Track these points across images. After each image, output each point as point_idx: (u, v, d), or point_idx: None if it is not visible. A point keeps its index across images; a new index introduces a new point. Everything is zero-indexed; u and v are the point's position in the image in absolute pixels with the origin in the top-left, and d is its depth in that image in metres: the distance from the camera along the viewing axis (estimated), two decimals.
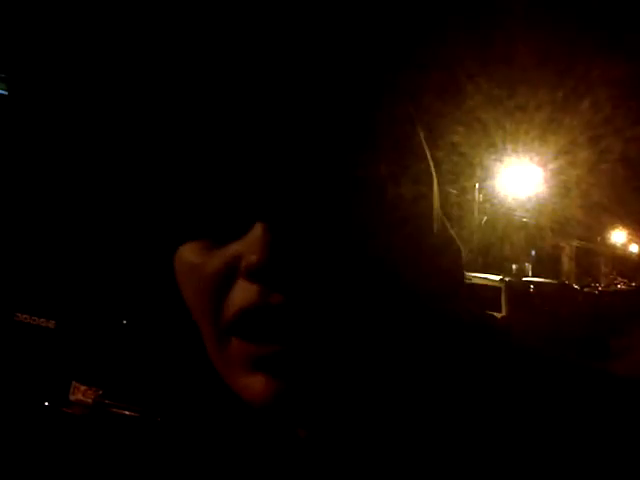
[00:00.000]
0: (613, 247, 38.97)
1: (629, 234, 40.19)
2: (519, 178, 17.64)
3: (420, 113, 0.55)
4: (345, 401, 0.51)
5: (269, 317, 0.46)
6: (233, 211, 0.48)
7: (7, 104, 7.59)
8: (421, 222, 0.53)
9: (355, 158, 0.49)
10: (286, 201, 0.47)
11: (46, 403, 3.85)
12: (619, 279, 32.30)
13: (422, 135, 0.55)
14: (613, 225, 37.30)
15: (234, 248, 0.48)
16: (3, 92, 7.82)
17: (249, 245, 0.46)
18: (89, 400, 3.78)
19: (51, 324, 4.09)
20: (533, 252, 25.81)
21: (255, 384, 0.48)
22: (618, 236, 39.62)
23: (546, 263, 25.31)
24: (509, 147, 15.97)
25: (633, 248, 42.01)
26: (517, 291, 11.55)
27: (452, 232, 0.59)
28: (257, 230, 0.46)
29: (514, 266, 23.39)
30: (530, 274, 21.65)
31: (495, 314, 9.47)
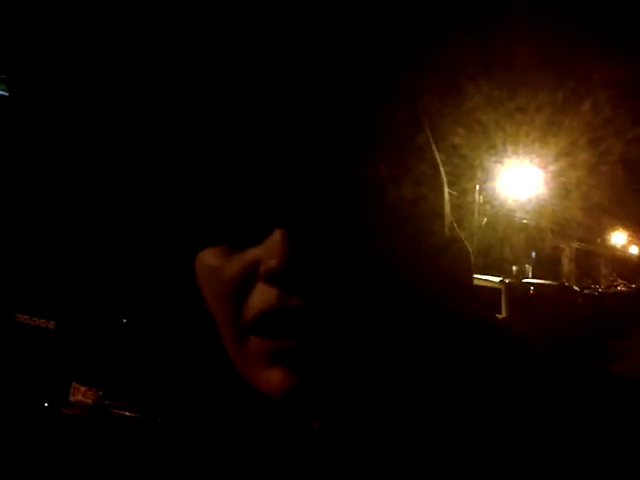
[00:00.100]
0: (613, 249, 38.96)
1: (629, 236, 40.19)
2: (519, 180, 17.66)
3: (419, 115, 0.55)
4: (357, 394, 0.52)
5: (288, 319, 0.48)
6: (252, 216, 0.50)
7: (8, 105, 7.59)
8: (432, 223, 0.54)
9: (362, 160, 0.50)
10: (303, 206, 0.48)
11: (46, 404, 3.85)
12: (619, 281, 32.29)
13: (430, 137, 0.56)
14: (613, 227, 37.31)
15: (253, 253, 0.49)
16: (3, 93, 7.82)
17: (268, 250, 0.48)
18: (89, 401, 3.78)
19: (51, 325, 4.09)
20: (533, 254, 25.83)
21: (273, 377, 0.50)
22: (618, 238, 39.62)
23: (546, 265, 25.31)
24: (509, 149, 15.99)
25: (633, 250, 42.01)
26: (517, 293, 11.55)
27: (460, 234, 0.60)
28: (276, 235, 0.47)
29: (514, 268, 23.39)
30: (530, 276, 21.65)
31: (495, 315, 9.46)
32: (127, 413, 3.39)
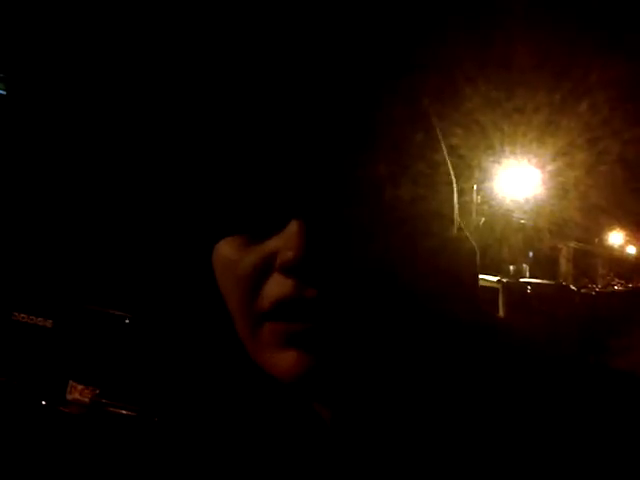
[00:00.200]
0: (611, 249, 38.97)
1: (626, 236, 40.22)
2: (517, 180, 17.65)
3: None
4: (366, 381, 0.53)
5: (302, 307, 0.50)
6: (268, 208, 0.51)
7: (6, 104, 7.58)
8: (431, 223, 0.55)
9: (360, 160, 0.51)
10: (319, 199, 0.50)
11: (43, 402, 3.84)
12: (616, 280, 32.30)
13: (436, 137, 0.57)
14: (611, 227, 37.32)
15: (270, 245, 0.51)
16: (1, 92, 7.80)
17: (285, 241, 0.50)
18: (86, 399, 3.77)
19: (48, 323, 4.08)
20: (531, 253, 25.83)
21: (286, 359, 0.52)
22: (616, 238, 39.64)
23: (544, 264, 25.32)
24: (507, 149, 15.98)
25: (630, 250, 42.04)
26: (515, 292, 11.55)
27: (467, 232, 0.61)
28: (292, 227, 0.49)
29: (512, 267, 23.38)
30: (528, 275, 21.65)
31: None
32: (124, 411, 3.39)
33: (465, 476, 0.51)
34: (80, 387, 3.87)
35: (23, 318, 4.11)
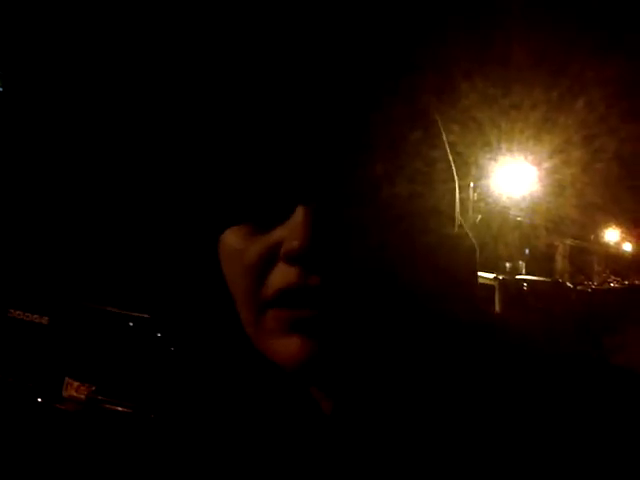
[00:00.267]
0: (606, 246, 39.07)
1: (622, 233, 40.32)
2: (514, 177, 17.67)
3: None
4: (367, 372, 0.54)
5: (306, 295, 0.51)
6: (274, 198, 0.52)
7: (3, 100, 7.56)
8: (438, 218, 0.56)
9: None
10: (323, 189, 0.51)
11: (39, 399, 3.84)
12: (612, 277, 32.37)
13: (441, 134, 0.58)
14: (607, 224, 37.41)
15: (276, 235, 0.52)
16: None
17: (290, 231, 0.50)
18: (82, 396, 3.77)
19: (45, 320, 4.08)
20: (527, 251, 25.87)
21: (290, 345, 0.52)
22: (611, 235, 39.74)
23: (540, 261, 25.35)
24: (504, 146, 16.01)
25: (626, 247, 42.15)
26: (511, 289, 11.58)
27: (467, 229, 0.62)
28: (298, 217, 0.50)
29: (508, 264, 23.42)
30: (524, 272, 21.70)
31: None
32: (120, 408, 3.39)
33: (463, 468, 0.51)
34: (76, 384, 3.87)
35: (19, 315, 4.11)
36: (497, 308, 10.28)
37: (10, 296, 4.26)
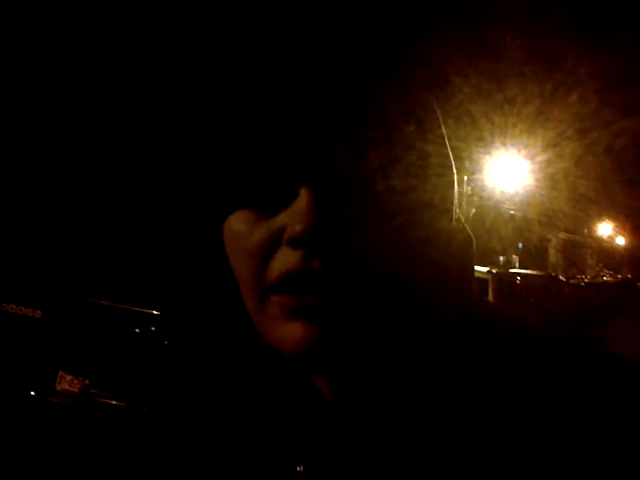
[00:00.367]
0: (600, 239, 39.22)
1: (615, 227, 40.48)
2: (507, 171, 17.69)
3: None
4: (366, 358, 0.55)
5: (308, 279, 0.52)
6: (278, 183, 0.53)
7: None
8: (431, 211, 0.56)
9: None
10: (326, 174, 0.52)
11: (32, 393, 3.84)
12: (605, 271, 32.51)
13: (438, 128, 0.59)
14: (600, 218, 37.53)
15: (279, 220, 0.53)
16: None
17: (293, 216, 0.51)
18: (75, 390, 3.77)
19: (37, 314, 4.07)
20: (520, 244, 25.93)
21: (292, 331, 0.53)
22: (604, 229, 39.89)
23: (533, 255, 25.41)
24: (497, 140, 16.02)
25: (619, 240, 42.31)
26: (504, 283, 11.61)
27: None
28: (301, 201, 0.51)
29: (501, 258, 23.47)
30: (517, 266, 21.75)
31: None
32: (113, 402, 3.39)
33: (460, 451, 0.52)
34: (69, 377, 3.87)
35: (12, 309, 4.10)
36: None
37: (3, 289, 4.25)
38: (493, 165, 17.12)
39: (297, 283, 0.52)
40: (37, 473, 2.83)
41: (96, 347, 3.82)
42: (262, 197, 0.54)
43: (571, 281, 19.76)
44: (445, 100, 0.60)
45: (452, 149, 0.59)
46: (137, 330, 3.75)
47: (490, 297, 10.44)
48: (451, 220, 0.59)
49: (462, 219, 0.62)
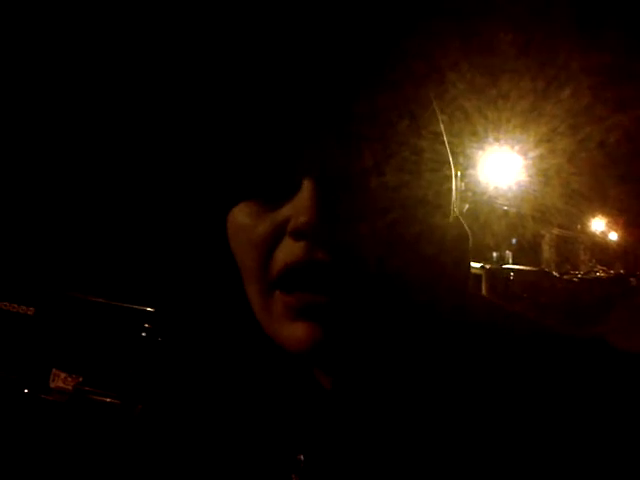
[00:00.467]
0: (593, 235, 39.33)
1: (608, 222, 40.60)
2: (500, 166, 17.73)
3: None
4: (366, 353, 0.55)
5: (312, 271, 0.52)
6: (281, 176, 0.54)
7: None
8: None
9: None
10: (325, 167, 0.53)
11: (26, 390, 3.83)
12: (598, 267, 32.59)
13: (434, 124, 0.59)
14: (593, 213, 37.65)
15: (283, 212, 0.54)
16: None
17: (297, 208, 0.52)
18: (69, 387, 3.76)
19: (31, 311, 4.06)
20: (514, 240, 25.99)
21: (297, 331, 0.54)
22: (597, 224, 40.01)
23: (527, 251, 25.49)
24: (491, 135, 16.04)
25: (612, 236, 42.43)
26: (497, 279, 11.65)
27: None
28: (305, 192, 0.52)
29: (495, 254, 23.55)
30: (511, 262, 21.82)
31: None
32: (108, 399, 3.38)
33: (459, 443, 0.52)
34: (63, 375, 3.86)
35: (5, 306, 4.09)
36: None
37: None
38: (486, 160, 17.15)
39: (301, 276, 0.53)
40: (31, 471, 2.83)
41: (90, 344, 3.81)
42: (265, 190, 0.55)
43: (564, 277, 19.83)
44: (438, 95, 0.60)
45: (442, 144, 0.59)
46: (131, 327, 3.75)
47: (483, 293, 10.47)
48: (446, 215, 0.59)
49: (457, 214, 0.62)
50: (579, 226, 36.79)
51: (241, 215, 0.57)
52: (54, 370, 3.87)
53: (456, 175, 0.61)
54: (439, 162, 0.58)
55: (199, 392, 0.67)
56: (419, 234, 0.55)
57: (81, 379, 3.72)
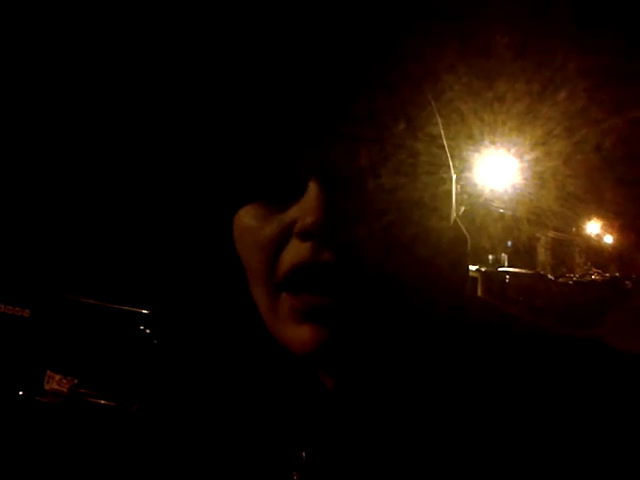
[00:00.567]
0: (588, 238, 39.42)
1: (604, 225, 40.70)
2: (496, 169, 17.75)
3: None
4: (373, 357, 0.56)
5: (318, 273, 0.53)
6: (288, 177, 0.54)
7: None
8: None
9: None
10: (330, 164, 0.53)
11: (20, 392, 3.82)
12: (593, 270, 32.67)
13: (439, 126, 0.60)
14: (588, 216, 37.73)
15: (290, 214, 0.54)
16: None
17: (304, 209, 0.52)
18: (64, 389, 3.75)
19: (26, 313, 4.05)
20: (509, 243, 26.03)
21: (302, 333, 0.54)
22: (593, 227, 40.10)
23: (522, 254, 25.53)
24: (487, 138, 16.07)
25: (607, 239, 42.54)
26: (493, 281, 11.67)
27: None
28: (311, 194, 0.52)
29: (490, 257, 23.57)
30: (506, 264, 21.83)
31: None
32: (102, 401, 3.38)
33: (458, 442, 0.52)
34: (58, 377, 3.85)
35: (1, 308, 4.08)
36: None
37: None
38: (482, 163, 17.17)
39: (307, 277, 0.53)
40: (26, 473, 2.82)
41: (85, 346, 3.80)
42: (270, 192, 0.55)
43: (559, 280, 19.87)
44: (435, 98, 0.60)
45: (441, 147, 0.60)
46: (126, 329, 3.74)
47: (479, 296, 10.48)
48: (443, 218, 0.59)
49: (455, 217, 0.62)
50: (574, 229, 36.89)
51: (247, 217, 0.57)
52: (49, 372, 3.86)
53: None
54: (436, 165, 0.58)
55: (200, 389, 0.67)
56: (415, 236, 0.55)
57: (76, 381, 3.71)
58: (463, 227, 0.63)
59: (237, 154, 0.58)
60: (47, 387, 3.82)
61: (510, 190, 19.19)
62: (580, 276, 26.23)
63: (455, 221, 0.62)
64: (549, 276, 18.76)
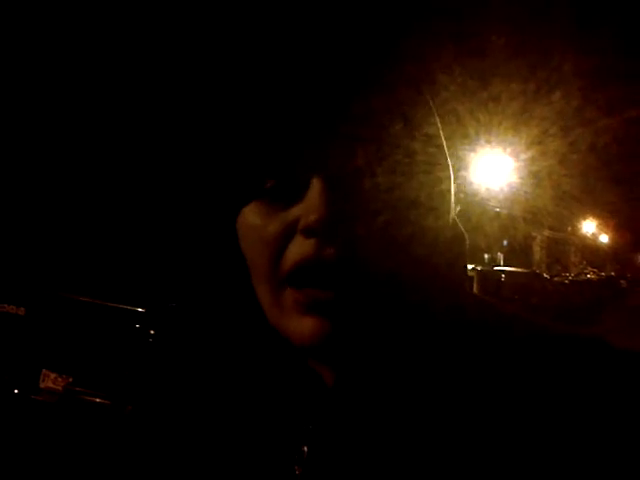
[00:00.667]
0: (583, 237, 39.49)
1: (599, 224, 40.78)
2: (492, 168, 17.76)
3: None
4: (372, 352, 0.57)
5: (321, 268, 0.54)
6: (291, 175, 0.55)
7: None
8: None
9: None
10: (330, 163, 0.54)
11: (16, 391, 3.81)
12: (589, 269, 32.72)
13: (438, 126, 0.60)
14: (583, 215, 37.79)
15: (294, 211, 0.55)
16: None
17: (307, 206, 0.53)
18: (59, 388, 3.75)
19: (21, 311, 4.05)
20: (505, 242, 26.06)
21: (305, 324, 0.55)
22: (588, 226, 40.16)
23: (518, 253, 25.56)
24: (482, 137, 16.09)
25: (603, 238, 42.63)
26: (489, 280, 11.68)
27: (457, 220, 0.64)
28: (314, 192, 0.53)
29: (486, 255, 23.60)
30: (502, 263, 21.86)
31: None
32: (97, 400, 3.37)
33: (458, 438, 0.52)
34: (53, 375, 3.84)
35: None
36: None
37: None
38: (478, 162, 17.18)
39: (311, 273, 0.54)
40: (21, 471, 2.81)
41: (80, 345, 3.80)
42: (273, 191, 0.56)
43: (555, 278, 19.90)
44: (431, 98, 0.60)
45: (437, 146, 0.60)
46: (122, 328, 3.74)
47: None
48: (440, 217, 0.59)
49: (453, 217, 0.63)
50: (570, 228, 36.94)
51: (251, 215, 0.58)
52: (44, 370, 3.85)
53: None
54: (435, 164, 0.58)
55: (201, 384, 0.68)
56: (413, 235, 0.56)
57: (71, 379, 3.70)
58: (461, 226, 0.63)
59: (240, 154, 0.58)
60: (42, 385, 3.82)
61: (506, 189, 19.22)
62: (576, 275, 26.27)
63: (453, 220, 0.62)
64: (545, 275, 18.79)
